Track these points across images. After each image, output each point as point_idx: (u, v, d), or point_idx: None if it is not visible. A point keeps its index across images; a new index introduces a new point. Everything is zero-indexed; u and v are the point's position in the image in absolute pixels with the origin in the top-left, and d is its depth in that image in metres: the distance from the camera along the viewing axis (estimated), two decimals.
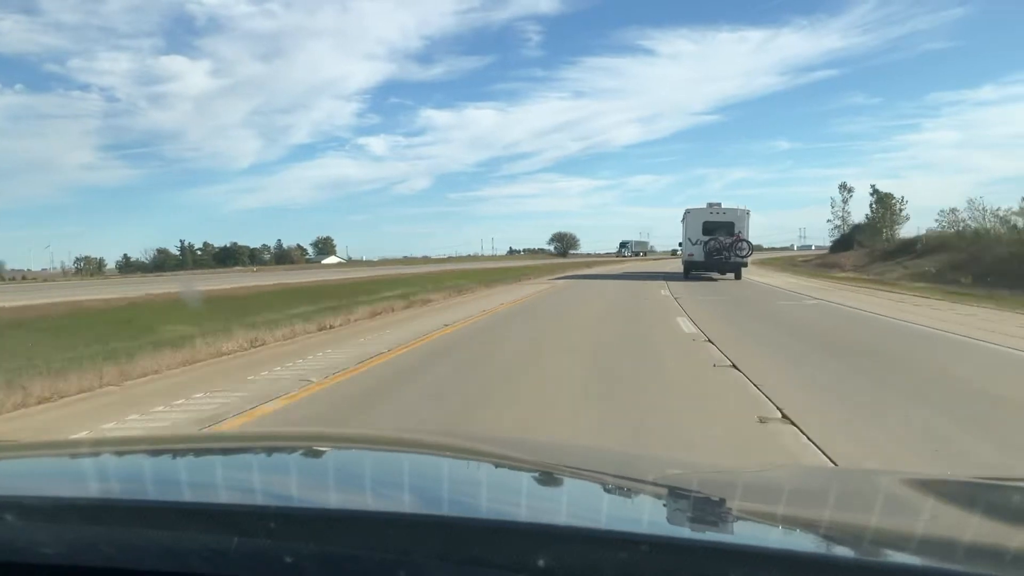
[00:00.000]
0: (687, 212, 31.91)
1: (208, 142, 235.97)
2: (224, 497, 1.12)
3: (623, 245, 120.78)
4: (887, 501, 1.28)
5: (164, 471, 1.39)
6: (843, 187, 61.78)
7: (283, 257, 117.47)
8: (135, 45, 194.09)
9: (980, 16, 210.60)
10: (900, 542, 1.00)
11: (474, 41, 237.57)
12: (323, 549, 0.83)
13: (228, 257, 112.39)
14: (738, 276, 30.00)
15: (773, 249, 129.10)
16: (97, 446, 1.86)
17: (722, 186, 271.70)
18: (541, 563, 0.78)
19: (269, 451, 1.64)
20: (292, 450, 1.67)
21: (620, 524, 1.05)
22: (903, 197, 54.32)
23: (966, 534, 1.05)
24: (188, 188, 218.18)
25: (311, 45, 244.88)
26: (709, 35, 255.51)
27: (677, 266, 36.43)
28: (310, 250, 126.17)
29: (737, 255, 29.71)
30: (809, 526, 1.10)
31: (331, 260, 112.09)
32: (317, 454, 1.60)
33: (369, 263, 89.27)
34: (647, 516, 1.16)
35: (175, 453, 1.57)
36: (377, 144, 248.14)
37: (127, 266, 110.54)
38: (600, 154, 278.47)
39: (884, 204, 54.11)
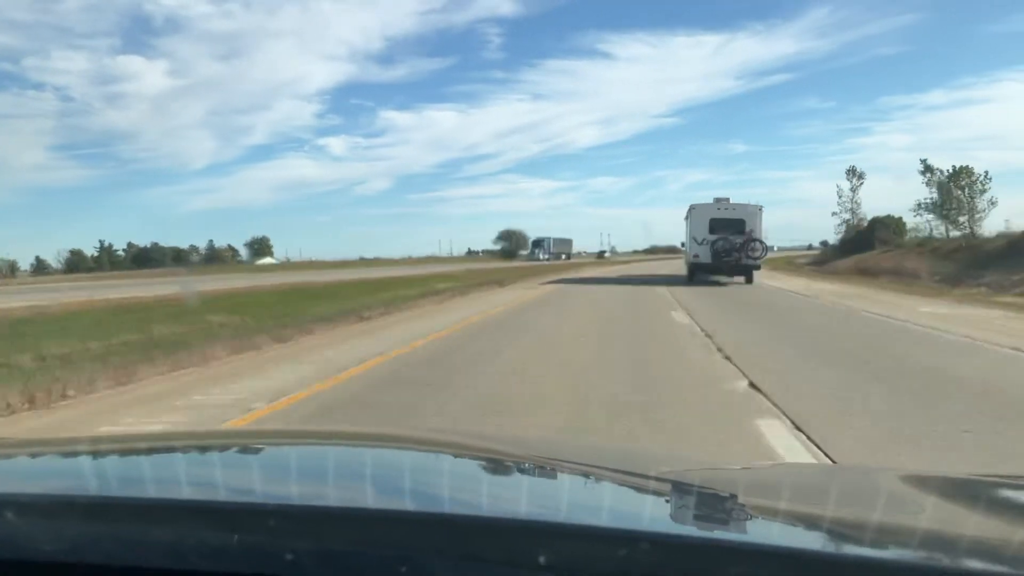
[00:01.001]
0: (691, 209, 27.71)
1: (164, 142, 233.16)
2: (224, 494, 1.12)
3: (536, 245, 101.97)
4: (887, 498, 1.29)
5: (164, 468, 1.39)
6: (852, 172, 50.55)
7: (213, 258, 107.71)
8: (91, 44, 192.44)
9: (930, 22, 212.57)
10: (900, 539, 0.99)
11: (435, 42, 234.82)
12: (323, 546, 0.83)
13: (150, 259, 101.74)
14: (749, 279, 26.23)
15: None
16: (96, 443, 1.80)
17: (680, 188, 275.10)
18: (541, 559, 0.78)
19: (269, 448, 1.63)
20: (292, 447, 1.67)
21: (620, 521, 1.04)
22: (986, 173, 38.96)
23: (966, 531, 1.03)
24: (142, 189, 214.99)
25: (271, 45, 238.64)
26: (666, 39, 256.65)
27: (644, 270, 33.54)
28: (244, 251, 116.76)
29: (749, 256, 25.84)
30: (809, 523, 1.10)
31: (266, 261, 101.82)
32: (317, 451, 1.60)
33: (312, 265, 79.81)
34: (647, 513, 1.14)
35: (174, 450, 1.57)
36: (337, 145, 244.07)
37: (39, 268, 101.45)
38: (561, 156, 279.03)
39: (961, 182, 38.19)
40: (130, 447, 1.67)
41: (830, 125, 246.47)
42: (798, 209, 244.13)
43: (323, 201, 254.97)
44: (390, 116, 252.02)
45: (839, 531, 1.01)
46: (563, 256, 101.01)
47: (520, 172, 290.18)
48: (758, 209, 26.73)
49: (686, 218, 29.94)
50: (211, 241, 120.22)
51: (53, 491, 1.10)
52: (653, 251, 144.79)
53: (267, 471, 1.36)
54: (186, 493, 1.12)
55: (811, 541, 0.97)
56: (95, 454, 1.47)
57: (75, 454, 1.54)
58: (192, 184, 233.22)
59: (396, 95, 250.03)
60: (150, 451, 1.56)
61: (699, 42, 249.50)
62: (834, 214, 52.44)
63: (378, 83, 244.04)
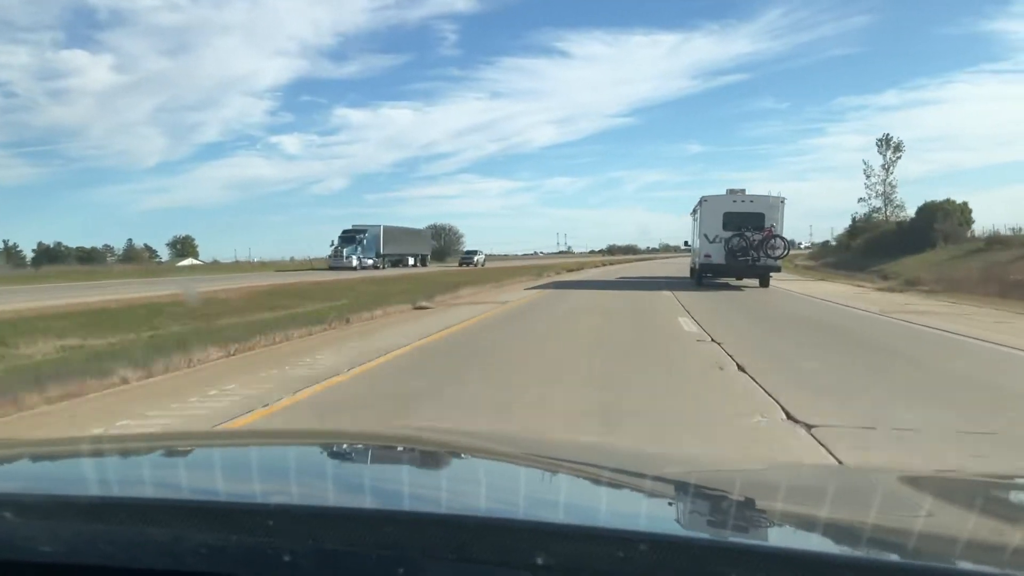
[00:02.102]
0: (702, 202, 23.81)
1: (113, 140, 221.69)
2: (222, 495, 1.12)
3: (347, 241, 51.85)
4: (886, 499, 1.28)
5: (162, 469, 1.39)
6: (885, 143, 38.27)
7: (130, 258, 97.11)
8: (34, 38, 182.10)
9: (884, 23, 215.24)
10: (899, 540, 0.99)
11: (389, 39, 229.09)
12: (321, 546, 0.82)
13: (54, 258, 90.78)
14: (765, 283, 23.14)
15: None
16: (95, 444, 1.80)
17: (636, 188, 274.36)
18: (539, 560, 0.77)
19: (267, 449, 1.63)
20: (290, 448, 1.67)
21: (618, 521, 1.04)
22: None
23: (965, 531, 1.03)
24: (92, 187, 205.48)
25: (220, 40, 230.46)
26: (623, 38, 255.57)
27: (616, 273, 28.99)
28: (166, 251, 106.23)
29: (769, 256, 22.25)
30: (809, 524, 1.09)
31: (187, 263, 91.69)
32: (314, 452, 1.60)
33: (237, 267, 69.68)
34: (645, 514, 1.14)
35: (173, 451, 1.57)
36: (291, 143, 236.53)
37: None
38: (518, 155, 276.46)
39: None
40: (129, 447, 1.68)
41: (785, 126, 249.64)
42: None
43: (278, 200, 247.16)
44: (345, 114, 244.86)
45: (839, 532, 1.02)
46: (413, 261, 60.47)
47: (478, 172, 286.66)
48: (780, 201, 22.83)
49: (693, 213, 26.84)
50: (130, 240, 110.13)
51: (52, 491, 1.10)
52: (611, 251, 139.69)
53: (265, 471, 1.35)
54: (184, 494, 1.12)
55: (811, 542, 0.97)
56: (94, 454, 1.47)
57: (74, 454, 1.54)
58: (143, 183, 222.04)
59: (350, 92, 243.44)
60: (149, 452, 1.55)
61: (655, 41, 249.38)
62: (861, 200, 43.07)
63: (331, 80, 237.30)
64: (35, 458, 1.50)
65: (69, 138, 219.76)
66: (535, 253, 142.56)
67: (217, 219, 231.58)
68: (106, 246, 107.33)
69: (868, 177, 41.66)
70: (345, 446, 1.68)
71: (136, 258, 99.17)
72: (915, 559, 0.88)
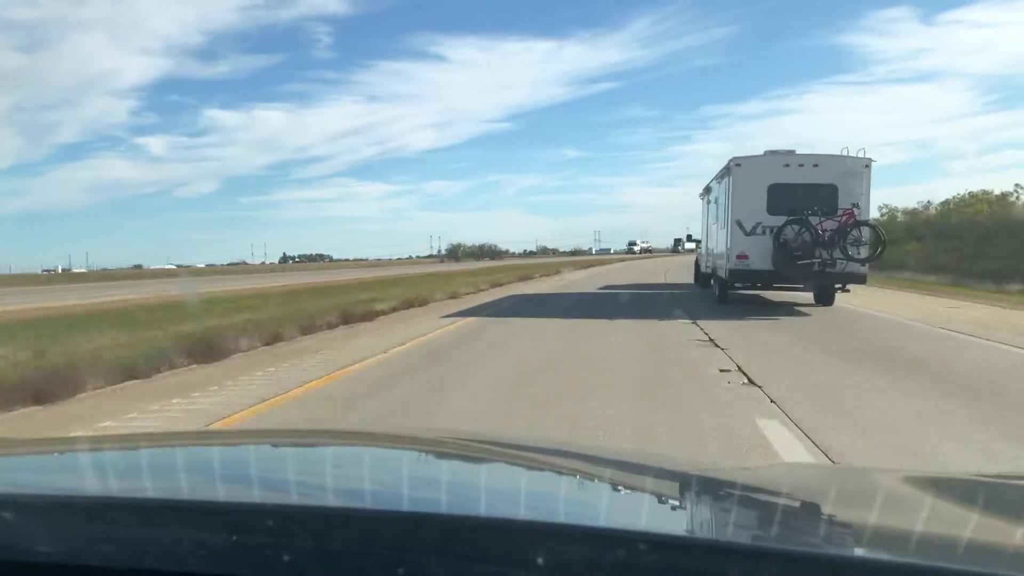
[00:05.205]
0: (731, 168, 14.61)
1: None
2: (222, 495, 1.11)
3: None
4: (886, 499, 1.27)
5: (162, 469, 1.37)
6: None
7: None
8: None
9: (745, 35, 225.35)
10: (900, 540, 0.99)
11: (260, 39, 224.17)
12: (322, 547, 0.82)
13: None
14: (828, 299, 14.83)
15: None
16: (95, 443, 1.79)
17: (515, 192, 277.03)
18: (539, 560, 0.77)
19: (267, 448, 1.62)
20: (290, 447, 1.66)
21: (618, 521, 1.03)
22: None
23: (966, 531, 1.02)
24: None
25: (79, 37, 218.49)
26: (496, 44, 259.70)
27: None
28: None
29: (850, 255, 13.42)
30: (809, 524, 1.09)
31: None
32: (315, 452, 1.59)
33: (70, 277, 65.43)
34: (645, 513, 1.13)
35: (173, 451, 1.56)
36: (156, 144, 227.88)
37: None
38: (396, 159, 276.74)
39: None
40: (129, 447, 1.66)
41: (655, 133, 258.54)
42: (624, 215, 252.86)
43: (143, 204, 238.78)
44: (214, 115, 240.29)
45: (839, 532, 1.02)
46: None
47: (354, 175, 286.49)
48: (862, 166, 13.78)
49: (704, 194, 18.91)
50: None
51: (50, 491, 1.09)
52: (455, 255, 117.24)
53: (266, 471, 1.35)
54: (184, 493, 1.12)
55: (811, 542, 0.96)
56: (93, 454, 1.46)
57: (73, 453, 1.53)
58: None
59: (220, 93, 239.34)
60: (148, 451, 1.54)
61: (529, 48, 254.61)
62: None
63: (199, 80, 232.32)
64: (35, 458, 1.49)
65: None
66: (410, 258, 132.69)
67: (78, 224, 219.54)
68: None
69: None
70: (346, 446, 1.68)
71: None
72: (916, 559, 0.88)
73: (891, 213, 39.86)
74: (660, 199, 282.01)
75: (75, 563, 0.83)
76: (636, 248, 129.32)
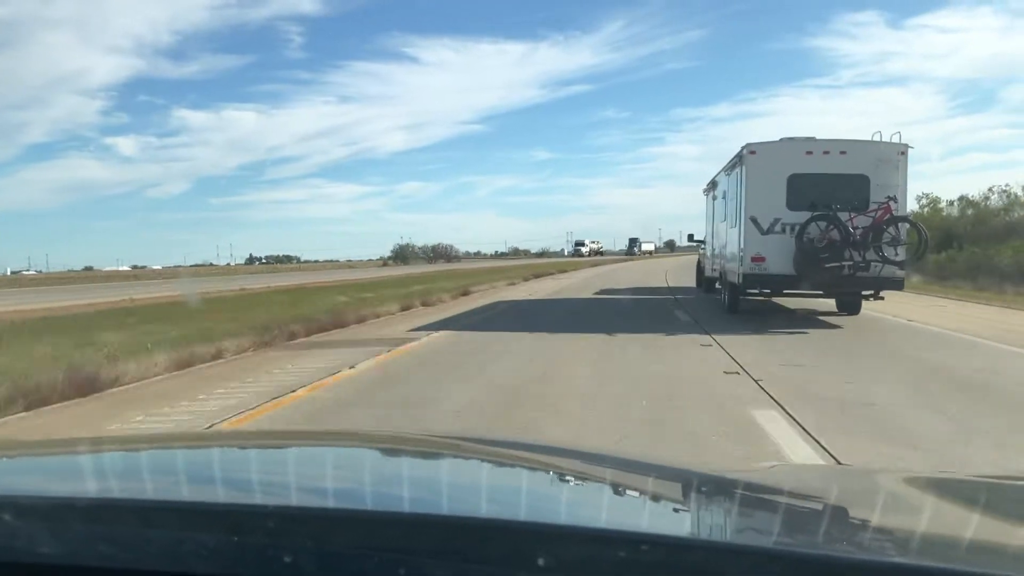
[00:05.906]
0: (744, 156, 12.44)
1: None
2: (223, 496, 1.12)
3: None
4: (888, 499, 1.28)
5: (163, 470, 1.38)
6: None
7: None
8: None
9: (716, 39, 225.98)
10: (901, 540, 0.99)
11: (231, 39, 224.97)
12: (322, 548, 0.82)
13: None
14: (855, 307, 12.95)
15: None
16: (95, 445, 1.80)
17: (488, 193, 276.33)
18: (540, 561, 0.77)
19: (268, 449, 1.63)
20: (291, 448, 1.66)
21: (619, 522, 1.04)
22: None
23: (967, 532, 1.03)
24: None
25: (47, 35, 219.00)
26: (470, 46, 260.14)
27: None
28: None
29: (886, 257, 11.42)
30: (811, 524, 1.09)
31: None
32: (316, 453, 1.59)
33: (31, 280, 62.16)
34: (647, 514, 1.14)
35: (173, 452, 1.56)
36: (126, 144, 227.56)
37: None
38: (368, 160, 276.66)
39: None
40: (130, 448, 1.67)
41: (627, 135, 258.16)
42: (598, 216, 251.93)
43: (114, 204, 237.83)
44: (185, 115, 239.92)
45: (841, 532, 1.02)
46: None
47: (326, 176, 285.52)
48: (898, 153, 11.72)
49: (709, 189, 17.34)
50: None
51: (51, 493, 1.09)
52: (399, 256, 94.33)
53: (266, 472, 1.36)
54: (185, 495, 1.12)
55: (813, 543, 0.97)
56: (94, 455, 1.46)
57: (74, 455, 1.53)
58: None
59: (191, 93, 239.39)
60: (148, 452, 1.54)
61: (503, 50, 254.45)
62: None
63: (170, 79, 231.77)
64: (35, 458, 1.50)
65: None
66: (349, 261, 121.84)
67: (48, 224, 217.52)
68: None
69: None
70: (347, 447, 1.68)
71: None
72: (917, 560, 0.88)
73: (933, 206, 32.56)
74: (633, 199, 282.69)
75: (76, 564, 0.84)
76: (584, 250, 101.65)
